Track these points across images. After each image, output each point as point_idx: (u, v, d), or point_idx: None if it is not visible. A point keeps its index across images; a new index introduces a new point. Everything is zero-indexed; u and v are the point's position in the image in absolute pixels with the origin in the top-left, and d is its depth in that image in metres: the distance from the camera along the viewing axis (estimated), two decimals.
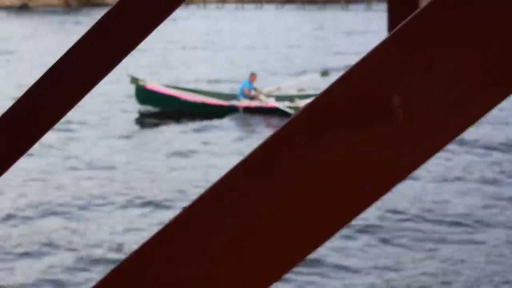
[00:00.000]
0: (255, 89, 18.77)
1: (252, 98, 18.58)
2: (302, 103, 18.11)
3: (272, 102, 18.35)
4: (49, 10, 56.94)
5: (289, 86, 19.98)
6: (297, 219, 0.79)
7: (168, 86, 19.71)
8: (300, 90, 19.80)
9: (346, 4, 65.10)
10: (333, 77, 21.82)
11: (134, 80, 18.94)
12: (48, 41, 36.80)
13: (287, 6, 66.32)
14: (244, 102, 18.47)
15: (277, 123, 17.36)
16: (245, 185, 0.80)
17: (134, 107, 19.03)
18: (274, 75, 24.65)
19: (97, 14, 52.33)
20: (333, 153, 0.79)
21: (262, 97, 18.55)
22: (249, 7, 65.63)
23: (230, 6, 65.41)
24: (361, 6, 63.47)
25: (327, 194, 0.79)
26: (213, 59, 29.39)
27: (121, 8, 1.17)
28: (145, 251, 0.79)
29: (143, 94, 18.85)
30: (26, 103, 1.35)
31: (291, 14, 58.67)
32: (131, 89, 19.26)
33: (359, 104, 0.78)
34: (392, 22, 1.93)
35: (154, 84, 19.38)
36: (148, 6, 1.15)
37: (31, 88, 1.39)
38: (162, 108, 18.80)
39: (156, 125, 17.51)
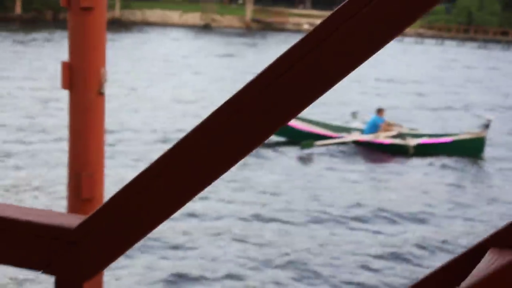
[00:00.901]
0: (387, 123, 19.12)
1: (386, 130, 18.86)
2: (412, 142, 18.32)
3: (383, 138, 18.53)
4: (229, 32, 60.16)
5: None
6: None
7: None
8: (412, 129, 19.85)
9: None
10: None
11: None
12: (224, 60, 39.28)
13: (469, 44, 66.25)
14: (354, 136, 18.74)
15: (385, 157, 17.78)
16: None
17: None
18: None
19: (274, 39, 54.89)
20: None
21: (395, 128, 18.86)
22: (429, 42, 66.03)
23: (409, 40, 66.14)
24: None
25: None
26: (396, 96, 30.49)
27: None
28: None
29: None
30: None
31: (471, 52, 58.72)
32: None
33: None
34: None
35: None
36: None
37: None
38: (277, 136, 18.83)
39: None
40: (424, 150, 18.26)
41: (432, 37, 68.92)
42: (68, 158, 4.49)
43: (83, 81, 4.36)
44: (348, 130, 19.60)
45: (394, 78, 35.63)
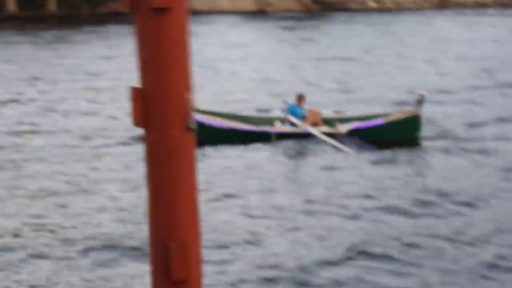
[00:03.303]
0: (309, 111, 18.90)
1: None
2: (343, 128, 18.30)
3: (308, 128, 18.38)
4: (286, 15, 59.26)
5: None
6: None
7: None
8: (336, 111, 19.68)
9: None
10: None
11: None
12: (290, 47, 38.51)
13: None
14: (278, 128, 18.55)
15: (312, 149, 17.61)
16: None
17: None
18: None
19: (337, 19, 53.83)
20: None
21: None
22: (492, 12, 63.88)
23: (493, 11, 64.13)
24: None
25: None
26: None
27: None
28: None
29: None
30: None
31: None
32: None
33: None
34: None
35: None
36: None
37: None
38: None
39: None
40: (357, 135, 18.23)
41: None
42: (148, 222, 3.53)
43: (163, 114, 3.40)
44: (270, 121, 19.10)
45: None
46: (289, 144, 18.14)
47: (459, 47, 38.14)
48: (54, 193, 14.82)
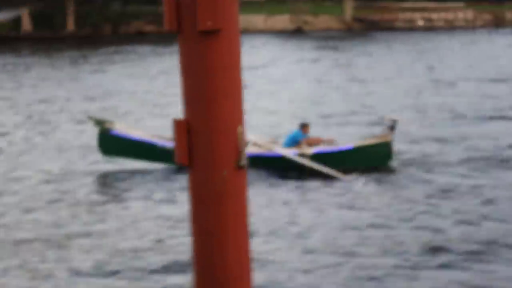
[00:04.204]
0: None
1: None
2: (308, 150, 18.28)
3: (277, 149, 18.37)
4: (325, 35, 59.22)
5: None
6: None
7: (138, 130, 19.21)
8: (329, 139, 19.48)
9: None
10: None
11: (97, 122, 18.62)
12: (329, 68, 38.46)
13: None
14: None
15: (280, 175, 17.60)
16: None
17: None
18: None
19: (381, 39, 53.66)
20: None
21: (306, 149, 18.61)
22: None
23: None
24: None
25: None
26: None
27: None
28: None
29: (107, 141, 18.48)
30: None
31: None
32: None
33: None
34: None
35: (121, 127, 18.80)
36: None
37: None
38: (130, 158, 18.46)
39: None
40: (322, 160, 18.16)
41: None
42: (193, 272, 3.37)
43: (211, 151, 3.24)
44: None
45: None
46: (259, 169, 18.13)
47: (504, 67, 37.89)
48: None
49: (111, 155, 18.61)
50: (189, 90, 3.28)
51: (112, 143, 18.42)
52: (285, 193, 16.91)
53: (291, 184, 17.56)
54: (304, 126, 19.17)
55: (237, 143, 3.27)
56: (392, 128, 18.61)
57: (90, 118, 19.47)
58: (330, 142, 18.98)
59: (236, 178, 3.28)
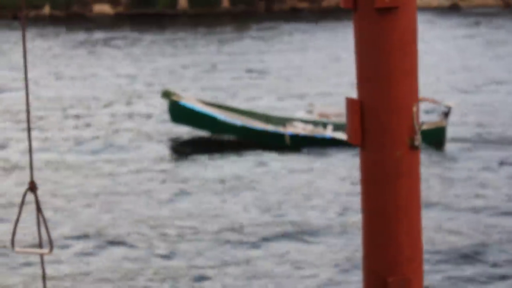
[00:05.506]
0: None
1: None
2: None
3: (328, 132, 18.76)
4: (481, 11, 57.90)
5: None
6: None
7: (206, 103, 20.17)
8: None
9: None
10: None
11: (165, 94, 19.68)
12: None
13: None
14: (291, 128, 18.84)
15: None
16: None
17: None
18: None
19: None
20: None
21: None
22: None
23: None
24: None
25: None
26: None
27: None
28: None
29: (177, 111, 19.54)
30: None
31: None
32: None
33: None
34: None
35: (190, 100, 19.88)
36: None
37: None
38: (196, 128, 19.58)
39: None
40: None
41: None
42: (363, 252, 3.35)
43: (385, 130, 3.21)
44: (289, 121, 19.56)
45: None
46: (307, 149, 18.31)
47: None
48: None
49: (180, 123, 19.81)
50: (364, 68, 3.25)
51: (180, 112, 19.57)
52: None
53: None
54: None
55: (412, 123, 3.22)
56: (446, 114, 18.97)
57: (163, 91, 20.65)
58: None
59: (410, 159, 3.24)
